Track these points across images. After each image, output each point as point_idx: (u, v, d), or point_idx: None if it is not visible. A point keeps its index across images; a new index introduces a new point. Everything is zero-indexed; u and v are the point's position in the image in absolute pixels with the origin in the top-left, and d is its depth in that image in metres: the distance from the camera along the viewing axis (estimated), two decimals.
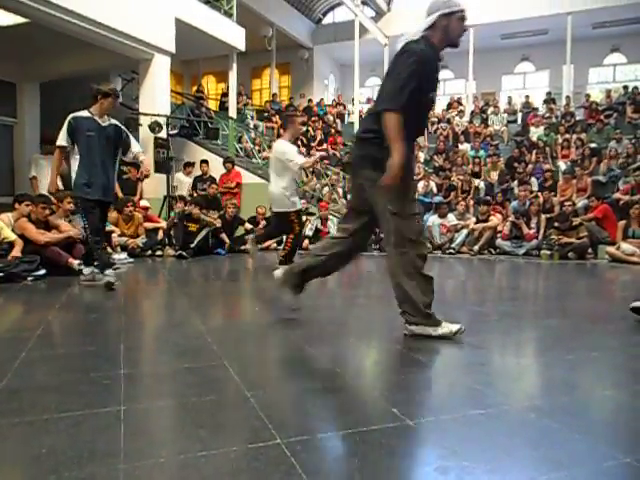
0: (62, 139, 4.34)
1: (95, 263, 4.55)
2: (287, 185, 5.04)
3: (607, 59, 16.98)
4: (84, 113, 4.42)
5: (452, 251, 8.28)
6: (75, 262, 5.11)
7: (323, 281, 5.91)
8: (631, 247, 7.23)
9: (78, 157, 4.36)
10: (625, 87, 14.36)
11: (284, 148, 5.05)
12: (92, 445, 1.43)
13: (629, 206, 7.81)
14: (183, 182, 9.64)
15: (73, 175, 4.37)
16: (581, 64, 15.83)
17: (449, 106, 15.14)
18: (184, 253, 7.16)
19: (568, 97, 14.07)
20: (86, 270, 4.73)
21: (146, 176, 4.87)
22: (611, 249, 7.42)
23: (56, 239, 5.25)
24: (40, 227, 5.27)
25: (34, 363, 2.25)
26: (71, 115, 4.38)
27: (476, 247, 8.11)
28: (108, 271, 4.42)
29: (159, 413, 1.75)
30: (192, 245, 7.36)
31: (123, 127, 4.67)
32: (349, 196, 10.16)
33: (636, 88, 13.81)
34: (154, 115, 8.82)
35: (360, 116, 14.84)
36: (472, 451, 1.42)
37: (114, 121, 4.57)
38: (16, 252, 4.94)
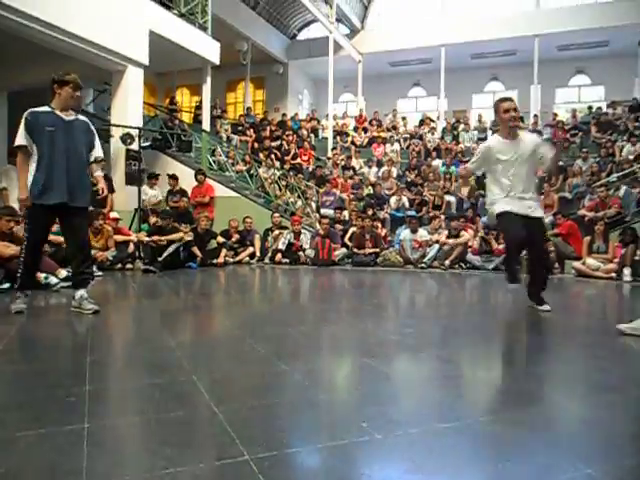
0: (21, 138, 3.71)
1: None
2: None
3: (572, 80, 17.59)
4: (44, 108, 3.81)
5: (424, 265, 8.36)
6: (42, 275, 4.98)
7: (294, 296, 5.91)
8: (596, 262, 7.43)
9: (37, 158, 3.73)
10: (589, 107, 14.90)
11: None
12: (54, 464, 1.39)
13: (594, 222, 8.04)
14: (148, 194, 9.50)
15: (30, 178, 3.71)
16: (548, 84, 16.36)
17: (421, 123, 15.40)
18: (151, 268, 7.02)
19: (536, 116, 14.48)
20: (53, 280, 4.62)
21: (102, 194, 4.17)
22: (577, 264, 7.61)
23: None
24: (5, 240, 5.13)
25: None
26: (27, 111, 3.77)
27: (447, 262, 8.22)
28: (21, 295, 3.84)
29: (124, 430, 1.71)
30: (160, 259, 7.23)
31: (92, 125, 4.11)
32: (322, 210, 10.24)
33: (599, 108, 14.34)
34: (126, 127, 8.73)
35: (334, 131, 15.01)
36: (438, 465, 1.44)
37: (82, 117, 4.02)
38: None
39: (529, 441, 1.59)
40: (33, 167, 3.73)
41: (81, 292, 3.86)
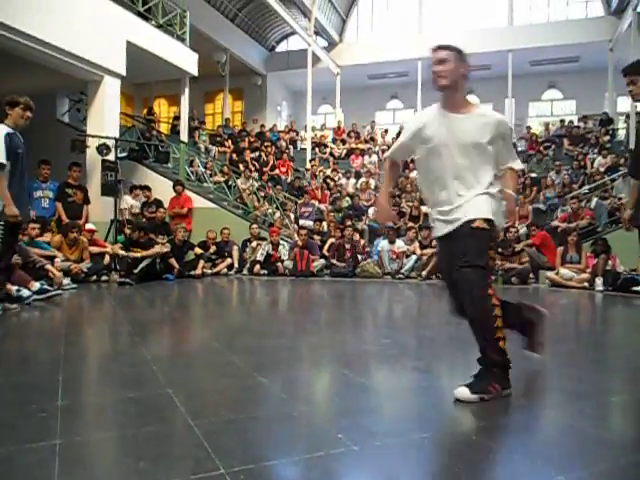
0: (3, 157, 3.92)
1: None
2: None
3: (545, 94, 18.02)
4: (7, 128, 4.02)
5: (401, 276, 8.42)
6: (14, 288, 4.87)
7: (272, 307, 5.89)
8: (569, 272, 7.59)
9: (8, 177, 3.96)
10: (562, 121, 15.27)
11: None
12: None
13: (567, 233, 8.21)
14: (130, 204, 9.41)
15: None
16: (521, 98, 16.75)
17: (398, 134, 15.57)
18: (127, 280, 6.92)
19: (511, 129, 14.76)
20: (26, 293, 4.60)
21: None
22: (551, 274, 7.76)
23: None
24: None
25: None
26: (5, 130, 3.99)
27: (424, 272, 8.28)
28: None
29: (98, 446, 1.68)
30: (135, 271, 7.13)
31: None
32: (301, 221, 10.25)
33: (571, 122, 14.71)
34: (102, 137, 8.63)
35: (312, 143, 15.07)
36: (415, 475, 1.44)
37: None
38: None
39: (505, 449, 1.61)
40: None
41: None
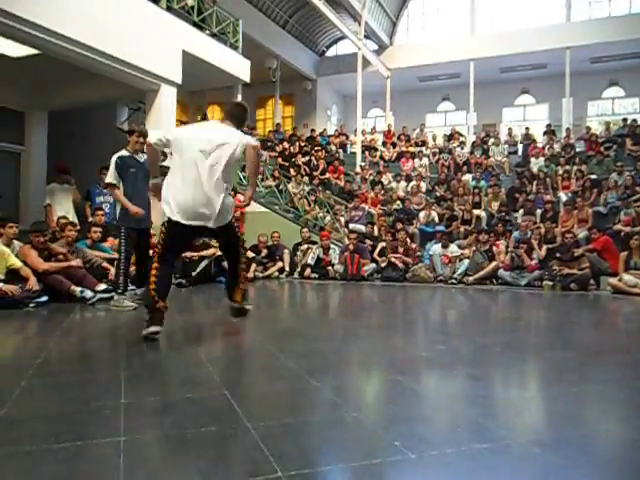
0: (111, 177, 4.79)
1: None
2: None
3: (605, 92, 17.27)
4: (124, 152, 4.90)
5: (454, 281, 8.26)
6: (77, 289, 5.12)
7: (323, 311, 5.91)
8: (633, 278, 7.21)
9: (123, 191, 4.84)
10: (624, 120, 14.55)
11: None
12: (91, 476, 1.42)
13: (630, 237, 7.81)
14: None
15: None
16: (580, 97, 16.11)
17: (450, 137, 15.32)
18: (183, 281, 7.15)
19: (568, 129, 14.25)
20: (89, 294, 5.04)
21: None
22: (613, 280, 7.40)
23: (56, 267, 5.25)
24: (43, 254, 5.29)
25: (34, 392, 2.24)
26: (117, 155, 4.85)
27: (471, 278, 8.10)
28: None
29: (159, 444, 1.74)
30: (193, 274, 7.35)
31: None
32: (351, 225, 10.24)
33: (635, 121, 13.99)
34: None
35: (362, 146, 15.03)
36: None
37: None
38: (34, 284, 4.90)
39: (570, 463, 1.55)
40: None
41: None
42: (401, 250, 8.79)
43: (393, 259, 8.67)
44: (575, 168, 11.58)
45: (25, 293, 4.79)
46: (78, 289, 5.13)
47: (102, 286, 5.39)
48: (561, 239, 8.52)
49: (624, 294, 7.07)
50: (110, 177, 4.81)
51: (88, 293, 5.15)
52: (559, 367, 2.90)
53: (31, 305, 4.75)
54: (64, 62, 7.97)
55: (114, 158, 4.85)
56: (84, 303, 5.04)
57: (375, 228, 10.13)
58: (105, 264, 6.12)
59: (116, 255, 6.46)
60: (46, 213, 7.81)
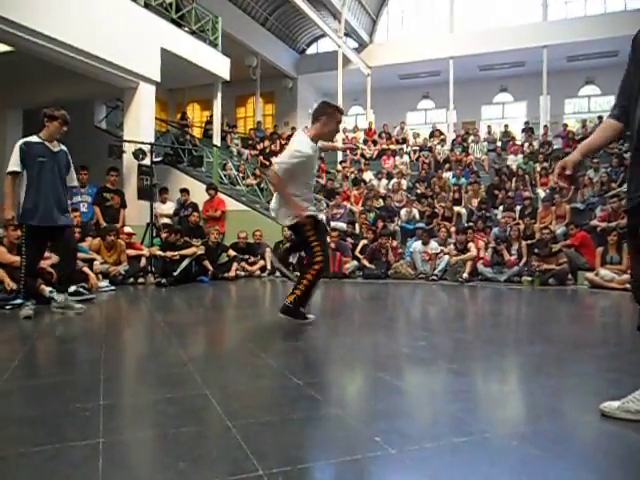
0: (15, 165, 4.24)
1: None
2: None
3: (582, 90, 17.55)
4: (34, 138, 4.37)
5: (435, 278, 8.32)
6: (47, 289, 5.00)
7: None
8: (610, 273, 7.35)
9: (26, 183, 4.28)
10: (600, 117, 14.77)
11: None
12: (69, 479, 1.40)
13: (607, 233, 7.96)
14: (163, 210, 9.62)
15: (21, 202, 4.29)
16: (557, 95, 16.34)
17: (431, 135, 15.43)
18: (163, 281, 7.08)
19: (546, 127, 14.45)
20: (59, 297, 4.68)
21: None
22: (590, 275, 7.54)
23: None
24: (14, 250, 5.17)
25: (10, 394, 2.20)
26: (23, 140, 4.34)
27: (465, 275, 8.16)
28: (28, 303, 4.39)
29: (139, 445, 1.72)
30: (175, 273, 7.29)
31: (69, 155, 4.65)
32: (332, 223, 10.24)
33: None
34: (138, 142, 8.83)
35: (344, 143, 15.05)
36: None
37: (63, 147, 4.59)
38: (9, 283, 4.80)
39: (547, 455, 1.57)
40: (23, 191, 4.29)
41: (64, 296, 4.63)
42: (384, 251, 8.82)
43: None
44: (553, 165, 11.75)
45: (1, 295, 4.70)
46: (48, 289, 5.00)
47: (72, 287, 5.27)
48: (540, 235, 8.64)
49: (601, 288, 7.22)
50: (13, 165, 4.23)
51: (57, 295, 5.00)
52: (538, 361, 2.95)
53: (7, 307, 4.65)
54: (39, 59, 7.83)
55: (19, 143, 4.31)
56: (51, 304, 4.90)
57: (357, 226, 10.16)
58: (85, 269, 6.03)
59: (93, 255, 6.38)
60: None
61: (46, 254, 5.43)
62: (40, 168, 4.28)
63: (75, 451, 1.58)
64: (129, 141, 9.03)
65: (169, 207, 9.81)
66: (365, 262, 8.78)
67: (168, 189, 9.98)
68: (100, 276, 6.67)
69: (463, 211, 10.47)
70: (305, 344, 3.35)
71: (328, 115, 3.81)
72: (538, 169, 11.90)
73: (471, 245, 8.52)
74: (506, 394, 2.41)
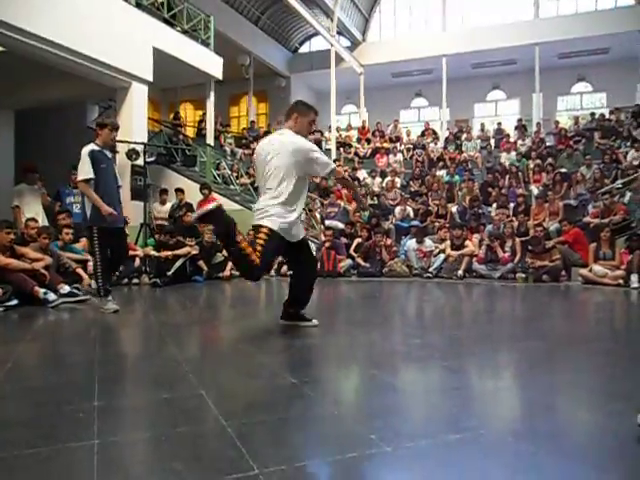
0: (89, 172, 4.48)
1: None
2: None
3: (574, 88, 17.63)
4: (94, 146, 4.60)
5: (430, 275, 8.34)
6: (41, 290, 4.97)
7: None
8: (602, 269, 7.39)
9: (93, 189, 4.53)
10: (592, 114, 14.90)
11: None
12: None
13: (599, 229, 8.01)
14: (160, 211, 9.60)
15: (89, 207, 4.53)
16: (549, 92, 16.41)
17: (424, 133, 15.45)
18: (158, 281, 7.07)
19: (538, 124, 14.51)
20: (52, 297, 4.76)
21: None
22: (583, 271, 7.58)
23: (17, 265, 5.11)
24: (5, 253, 5.14)
25: (4, 397, 2.18)
26: (89, 149, 4.54)
27: (460, 272, 8.18)
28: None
29: (134, 446, 1.71)
30: (168, 273, 7.27)
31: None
32: (327, 221, 10.24)
33: (602, 115, 14.34)
34: (131, 143, 8.80)
35: (337, 142, 15.06)
36: (449, 476, 1.43)
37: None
38: None
39: (541, 452, 1.58)
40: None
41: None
42: (378, 249, 8.83)
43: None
44: (546, 162, 11.80)
45: None
46: (42, 290, 4.98)
47: (66, 288, 5.25)
48: (533, 232, 8.68)
49: (594, 284, 7.26)
50: (85, 173, 4.46)
51: (51, 296, 4.98)
52: (532, 357, 2.96)
53: (0, 309, 4.63)
54: (30, 60, 7.78)
55: (85, 152, 4.51)
56: (46, 306, 4.89)
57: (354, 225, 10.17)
58: (79, 270, 6.00)
59: (87, 256, 6.35)
60: (14, 215, 7.60)
61: (39, 256, 5.42)
62: (103, 174, 4.58)
63: (70, 453, 1.58)
64: (122, 141, 8.98)
65: (169, 208, 9.77)
66: (360, 260, 8.80)
67: (168, 190, 9.94)
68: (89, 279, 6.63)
69: (454, 209, 10.47)
70: (300, 343, 3.35)
71: (299, 112, 3.59)
72: (531, 166, 11.94)
73: (468, 242, 8.55)
74: (501, 391, 2.42)
